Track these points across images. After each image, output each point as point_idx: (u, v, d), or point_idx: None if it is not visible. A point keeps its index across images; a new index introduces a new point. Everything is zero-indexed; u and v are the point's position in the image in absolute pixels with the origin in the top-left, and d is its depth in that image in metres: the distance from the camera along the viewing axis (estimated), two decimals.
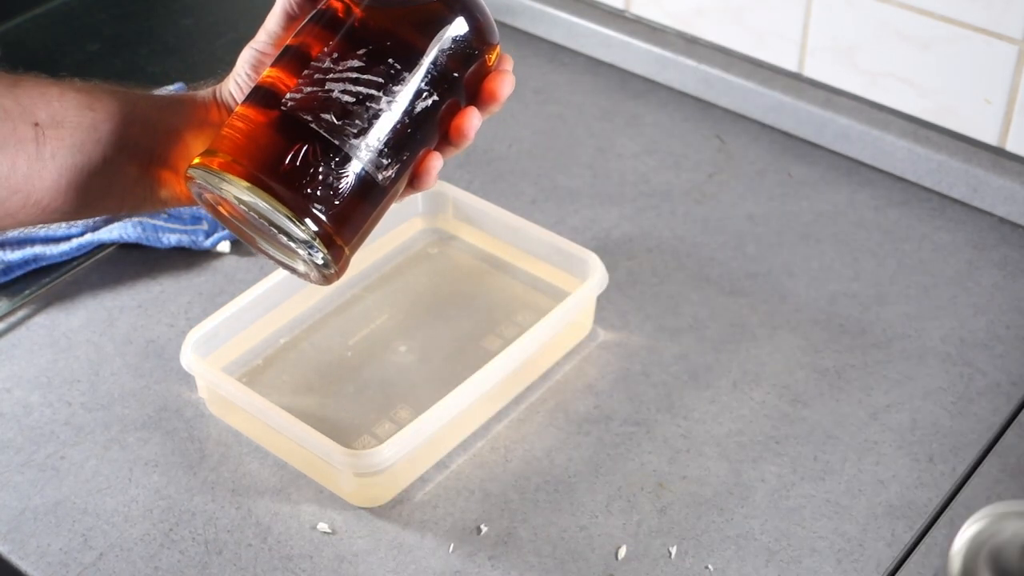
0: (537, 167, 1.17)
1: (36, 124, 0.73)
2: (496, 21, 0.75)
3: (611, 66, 1.29)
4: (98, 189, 0.75)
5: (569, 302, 0.95)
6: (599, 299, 1.00)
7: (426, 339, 0.99)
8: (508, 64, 0.76)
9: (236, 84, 0.78)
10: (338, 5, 0.73)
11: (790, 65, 1.20)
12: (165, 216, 1.07)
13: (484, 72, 0.74)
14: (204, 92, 0.80)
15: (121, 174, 0.76)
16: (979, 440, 0.93)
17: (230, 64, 0.79)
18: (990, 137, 1.12)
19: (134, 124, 0.75)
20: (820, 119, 1.18)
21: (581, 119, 1.23)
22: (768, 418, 0.94)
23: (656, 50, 1.26)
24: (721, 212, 1.12)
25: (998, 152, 1.11)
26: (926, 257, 1.08)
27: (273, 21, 0.77)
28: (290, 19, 0.76)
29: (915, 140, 1.14)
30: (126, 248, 1.08)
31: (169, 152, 0.77)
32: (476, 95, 0.74)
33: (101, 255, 1.07)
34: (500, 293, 1.03)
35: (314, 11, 0.74)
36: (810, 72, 1.20)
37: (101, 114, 0.75)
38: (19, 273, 1.05)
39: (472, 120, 0.73)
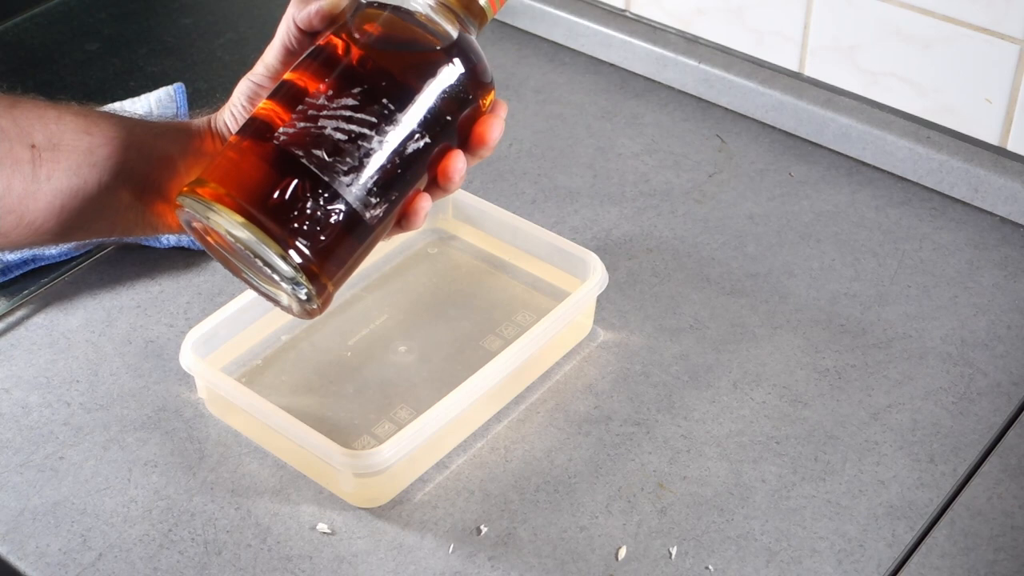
0: (537, 167, 1.17)
1: (33, 146, 0.73)
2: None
3: (611, 66, 1.29)
4: (91, 212, 0.76)
5: (569, 302, 0.95)
6: (599, 299, 0.99)
7: (426, 339, 0.99)
8: (501, 109, 0.76)
9: (231, 115, 0.79)
10: (337, 43, 0.73)
11: (791, 65, 1.20)
12: None
13: (476, 116, 0.74)
14: (199, 121, 0.80)
15: (114, 199, 0.76)
16: (980, 440, 0.92)
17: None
18: (991, 137, 1.12)
19: (130, 150, 0.76)
20: (821, 119, 1.18)
21: (581, 119, 1.23)
22: (768, 418, 0.94)
23: (656, 50, 1.26)
24: (721, 212, 1.12)
25: (999, 152, 1.11)
26: (927, 257, 1.08)
27: (271, 55, 0.77)
28: (289, 54, 0.77)
29: (916, 140, 1.14)
30: (125, 248, 1.08)
31: (162, 179, 0.77)
32: (467, 139, 0.75)
33: (100, 255, 1.07)
34: (500, 293, 1.03)
35: (313, 47, 0.74)
36: (811, 72, 1.20)
37: (98, 138, 0.75)
38: (18, 273, 1.05)
39: (457, 164, 0.74)
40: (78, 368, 0.98)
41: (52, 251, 1.05)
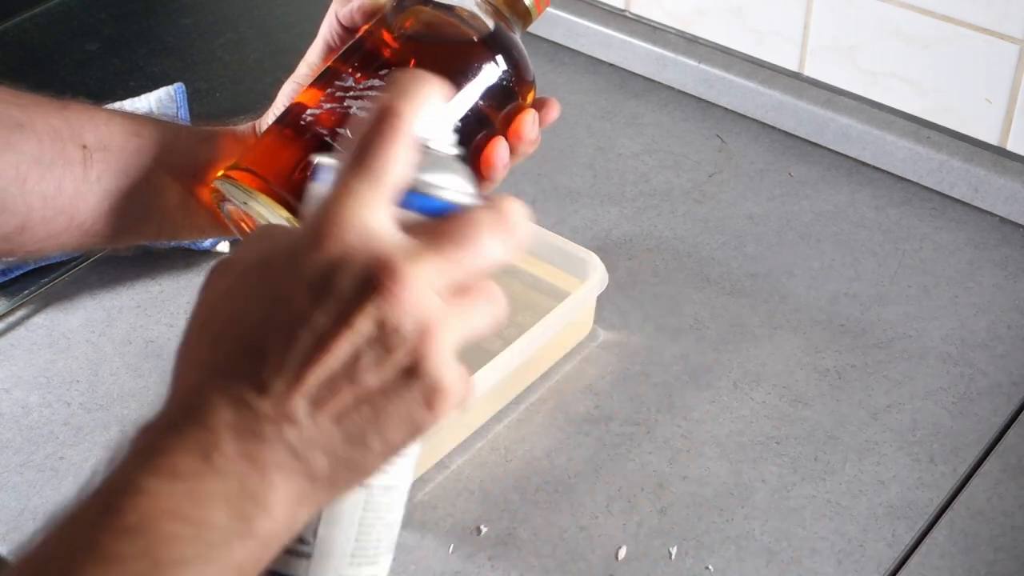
0: (537, 167, 1.17)
1: (84, 146, 0.74)
2: None
3: (611, 66, 1.29)
4: (139, 214, 0.76)
5: (569, 302, 0.95)
6: (599, 299, 0.99)
7: None
8: (547, 108, 0.74)
9: (274, 117, 0.79)
10: (374, 34, 0.73)
11: (791, 65, 1.20)
12: None
13: (515, 111, 0.74)
14: (244, 127, 0.81)
15: (162, 200, 0.77)
16: (980, 440, 0.92)
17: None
18: (991, 137, 1.12)
19: (177, 152, 0.76)
20: (821, 119, 1.18)
21: (581, 119, 1.23)
22: (768, 418, 0.94)
23: (656, 50, 1.25)
24: (721, 212, 1.12)
25: (999, 152, 1.11)
26: (927, 257, 1.07)
27: (314, 53, 0.78)
28: (331, 51, 0.77)
29: (916, 140, 1.14)
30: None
31: (209, 182, 0.77)
32: (505, 133, 0.74)
33: (100, 255, 1.07)
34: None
35: (352, 41, 0.75)
36: (811, 72, 1.20)
37: (147, 140, 0.76)
38: (18, 273, 1.05)
39: (498, 151, 0.72)
40: (78, 368, 0.98)
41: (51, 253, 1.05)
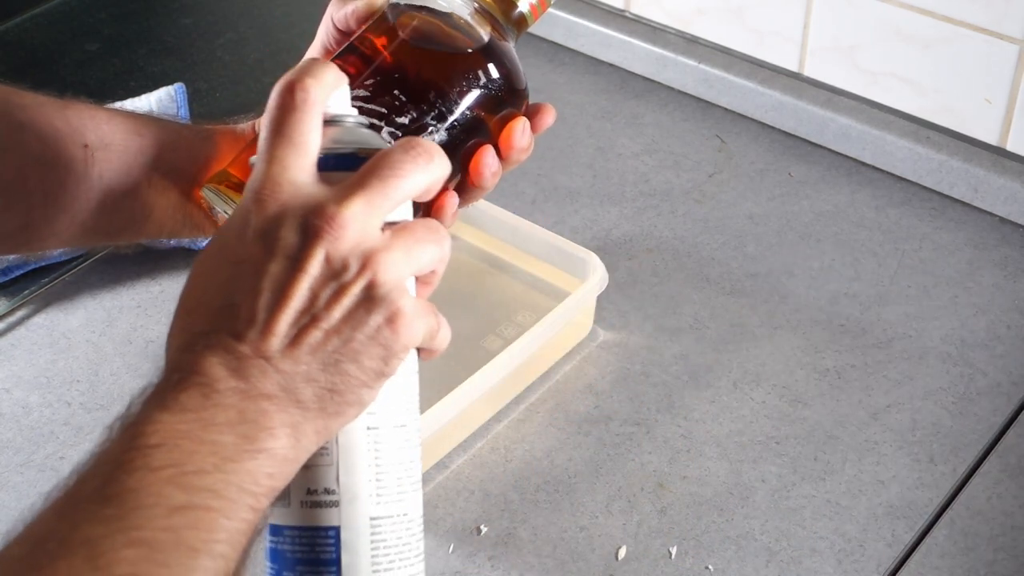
0: (537, 167, 1.17)
1: (85, 145, 0.74)
2: None
3: (611, 66, 1.29)
4: (141, 213, 0.76)
5: (569, 302, 0.95)
6: (599, 299, 0.99)
7: None
8: (540, 114, 0.74)
9: None
10: (365, 40, 0.73)
11: (790, 65, 1.20)
12: None
13: (506, 120, 0.74)
14: (244, 125, 0.81)
15: (164, 199, 0.77)
16: (979, 440, 0.93)
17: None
18: (991, 137, 1.12)
19: (178, 151, 0.77)
20: (820, 119, 1.18)
21: (581, 119, 1.23)
22: (768, 418, 0.94)
23: (656, 50, 1.26)
24: (721, 212, 1.12)
25: (999, 152, 1.11)
26: (927, 257, 1.08)
27: (312, 55, 0.78)
28: (328, 54, 0.77)
29: (916, 140, 1.14)
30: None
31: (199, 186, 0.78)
32: (495, 141, 0.74)
33: (100, 255, 1.07)
34: (500, 293, 1.03)
35: (345, 45, 0.75)
36: (810, 72, 1.20)
37: (148, 139, 0.76)
38: (18, 273, 1.05)
39: (486, 159, 0.72)
40: (79, 368, 0.98)
41: (53, 251, 1.05)
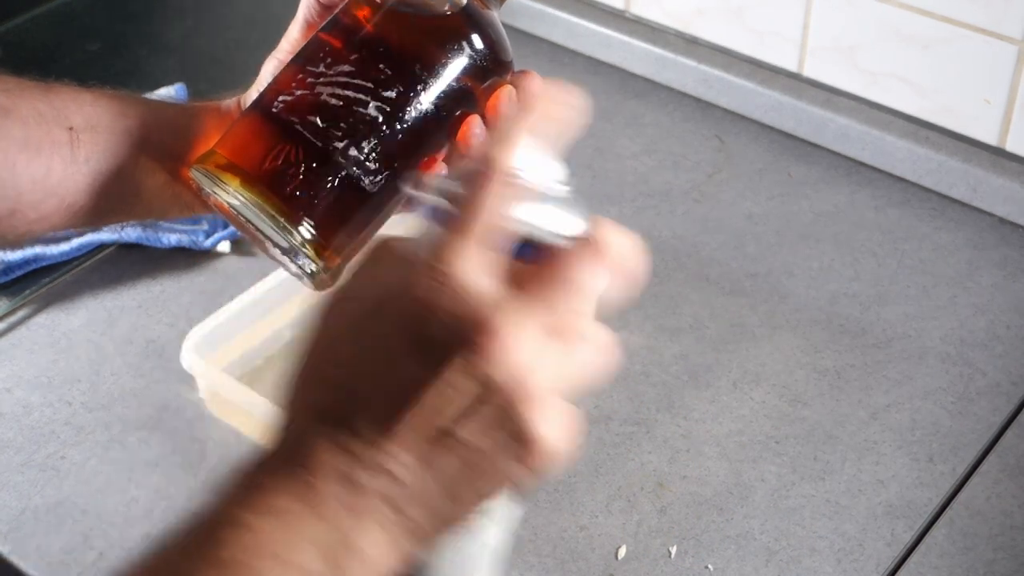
0: None
1: (71, 128, 0.74)
2: None
3: (611, 66, 1.29)
4: (129, 194, 0.76)
5: None
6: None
7: None
8: (527, 80, 0.75)
9: (257, 93, 0.79)
10: (347, 13, 0.73)
11: (790, 65, 1.20)
12: None
13: (493, 88, 0.74)
14: (229, 101, 0.81)
15: (151, 179, 0.77)
16: (979, 440, 0.93)
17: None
18: (990, 137, 1.12)
19: (164, 130, 0.76)
20: (820, 119, 1.18)
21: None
22: (768, 418, 0.94)
23: (656, 50, 1.26)
24: (721, 212, 1.12)
25: (998, 152, 1.11)
26: (926, 257, 1.08)
27: (295, 29, 0.78)
28: (310, 28, 0.77)
29: (915, 140, 1.14)
30: (126, 248, 1.08)
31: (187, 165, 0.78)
32: (483, 111, 0.74)
33: (101, 255, 1.07)
34: None
35: (327, 19, 0.74)
36: (810, 72, 1.20)
37: (134, 120, 0.76)
38: (19, 273, 1.05)
39: (473, 129, 0.73)
40: (79, 368, 0.99)
41: (54, 251, 1.05)
